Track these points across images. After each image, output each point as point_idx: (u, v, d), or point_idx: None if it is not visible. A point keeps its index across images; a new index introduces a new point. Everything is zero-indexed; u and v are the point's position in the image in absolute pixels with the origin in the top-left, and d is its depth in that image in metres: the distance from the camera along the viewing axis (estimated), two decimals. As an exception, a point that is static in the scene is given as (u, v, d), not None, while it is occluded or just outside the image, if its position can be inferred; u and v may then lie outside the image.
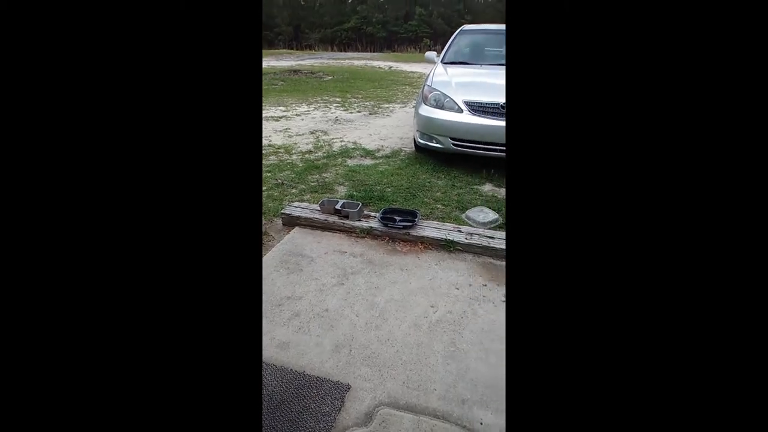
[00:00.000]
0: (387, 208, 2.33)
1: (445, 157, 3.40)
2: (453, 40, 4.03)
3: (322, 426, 1.11)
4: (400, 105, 6.42)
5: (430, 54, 4.10)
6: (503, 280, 1.82)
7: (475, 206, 2.55)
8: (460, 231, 2.14)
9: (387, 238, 2.14)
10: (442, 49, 4.12)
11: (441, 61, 3.81)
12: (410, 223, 2.14)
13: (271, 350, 1.39)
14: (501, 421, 1.12)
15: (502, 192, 2.87)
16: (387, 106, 6.27)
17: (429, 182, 3.00)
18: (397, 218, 2.19)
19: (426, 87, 3.34)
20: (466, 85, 3.26)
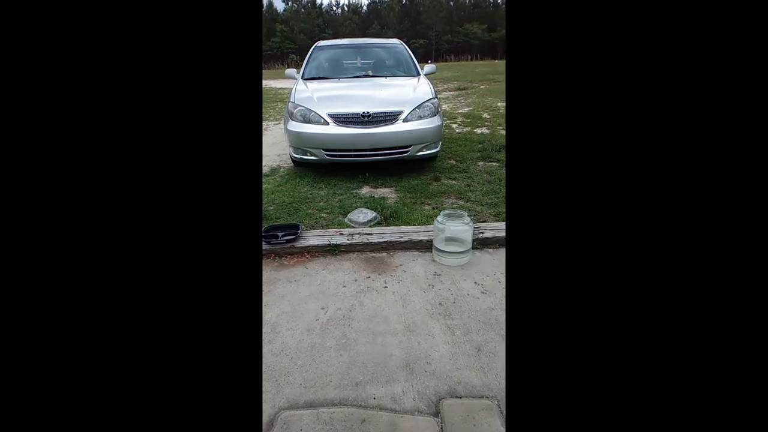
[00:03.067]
0: (268, 226, 2.35)
1: (324, 167, 3.52)
2: (310, 56, 4.18)
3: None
4: (273, 122, 6.38)
5: (290, 71, 4.19)
6: (383, 269, 2.01)
7: (355, 209, 2.72)
8: (342, 234, 2.27)
9: (273, 255, 2.17)
10: (304, 64, 4.24)
11: (301, 77, 3.92)
12: (293, 236, 2.21)
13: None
14: (390, 391, 1.27)
15: (378, 192, 3.10)
16: (260, 125, 6.17)
17: (311, 194, 3.09)
18: (280, 234, 2.23)
19: (290, 104, 3.42)
20: (329, 99, 3.43)
